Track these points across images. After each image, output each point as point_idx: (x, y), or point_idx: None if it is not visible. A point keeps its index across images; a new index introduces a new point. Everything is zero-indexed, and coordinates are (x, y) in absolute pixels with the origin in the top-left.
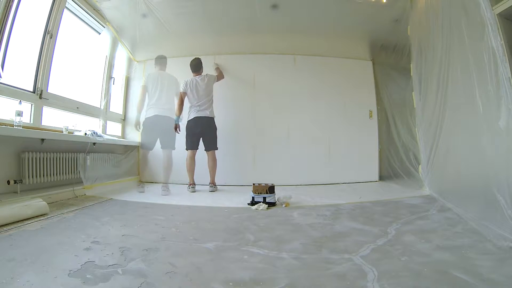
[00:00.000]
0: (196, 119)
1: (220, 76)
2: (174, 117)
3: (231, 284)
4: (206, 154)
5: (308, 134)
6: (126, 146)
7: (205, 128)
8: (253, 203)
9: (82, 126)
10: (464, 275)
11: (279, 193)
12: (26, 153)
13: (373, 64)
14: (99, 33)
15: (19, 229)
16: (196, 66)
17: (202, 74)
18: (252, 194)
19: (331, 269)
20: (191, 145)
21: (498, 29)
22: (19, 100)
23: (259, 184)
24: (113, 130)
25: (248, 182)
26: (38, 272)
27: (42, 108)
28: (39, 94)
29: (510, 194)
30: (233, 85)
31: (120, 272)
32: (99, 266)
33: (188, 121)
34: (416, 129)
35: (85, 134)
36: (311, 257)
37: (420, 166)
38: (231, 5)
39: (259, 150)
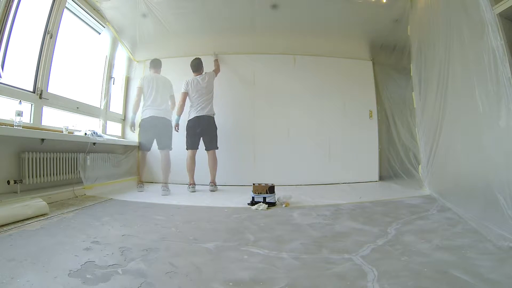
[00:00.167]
0: (196, 118)
1: (217, 70)
2: (171, 117)
3: (231, 284)
4: (206, 153)
5: (308, 134)
6: (126, 146)
7: (206, 128)
8: (253, 203)
9: (82, 126)
10: (464, 275)
11: (279, 193)
12: (26, 153)
13: (373, 64)
14: (99, 33)
15: (19, 229)
16: (197, 66)
17: (202, 73)
18: (252, 194)
19: (331, 269)
20: (191, 144)
21: (498, 29)
22: (19, 100)
23: (259, 184)
24: (113, 130)
25: (248, 182)
26: (38, 272)
27: (42, 108)
28: (39, 94)
29: (510, 194)
30: (233, 85)
31: (120, 272)
32: (99, 266)
33: (189, 121)
34: (416, 129)
35: (85, 134)
36: (311, 257)
37: (420, 166)
38: (231, 5)
39: (259, 150)
